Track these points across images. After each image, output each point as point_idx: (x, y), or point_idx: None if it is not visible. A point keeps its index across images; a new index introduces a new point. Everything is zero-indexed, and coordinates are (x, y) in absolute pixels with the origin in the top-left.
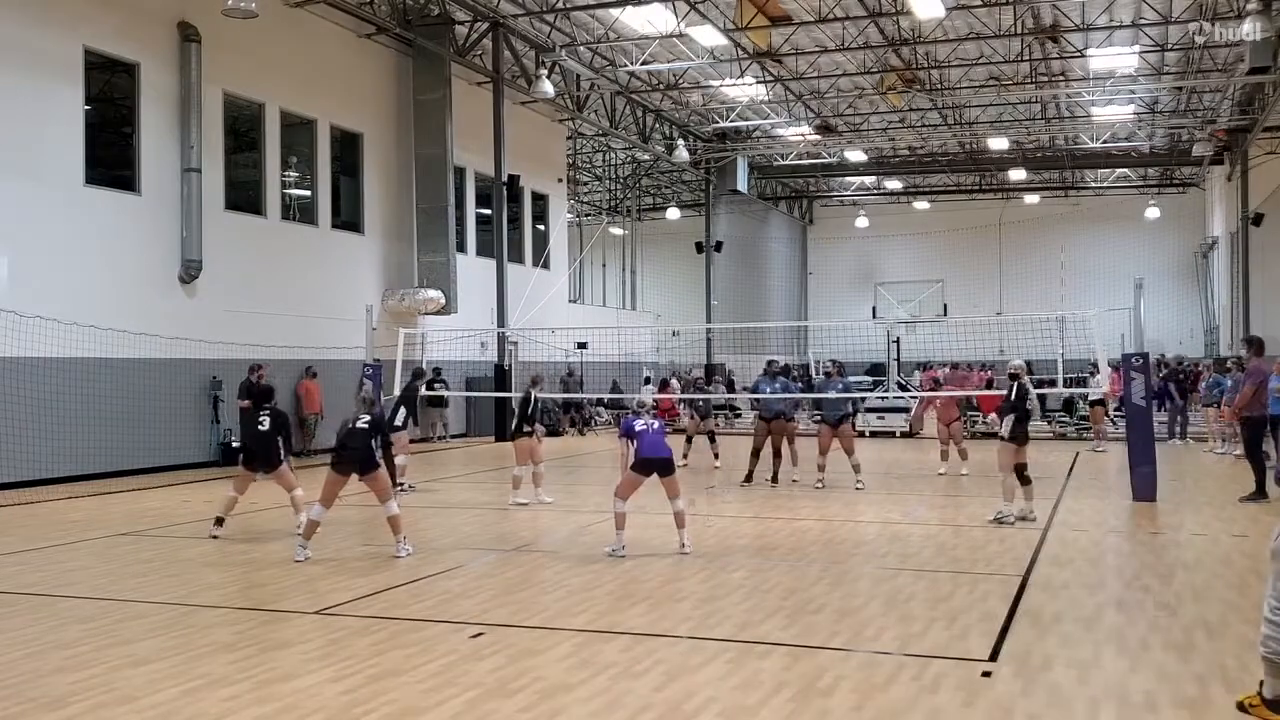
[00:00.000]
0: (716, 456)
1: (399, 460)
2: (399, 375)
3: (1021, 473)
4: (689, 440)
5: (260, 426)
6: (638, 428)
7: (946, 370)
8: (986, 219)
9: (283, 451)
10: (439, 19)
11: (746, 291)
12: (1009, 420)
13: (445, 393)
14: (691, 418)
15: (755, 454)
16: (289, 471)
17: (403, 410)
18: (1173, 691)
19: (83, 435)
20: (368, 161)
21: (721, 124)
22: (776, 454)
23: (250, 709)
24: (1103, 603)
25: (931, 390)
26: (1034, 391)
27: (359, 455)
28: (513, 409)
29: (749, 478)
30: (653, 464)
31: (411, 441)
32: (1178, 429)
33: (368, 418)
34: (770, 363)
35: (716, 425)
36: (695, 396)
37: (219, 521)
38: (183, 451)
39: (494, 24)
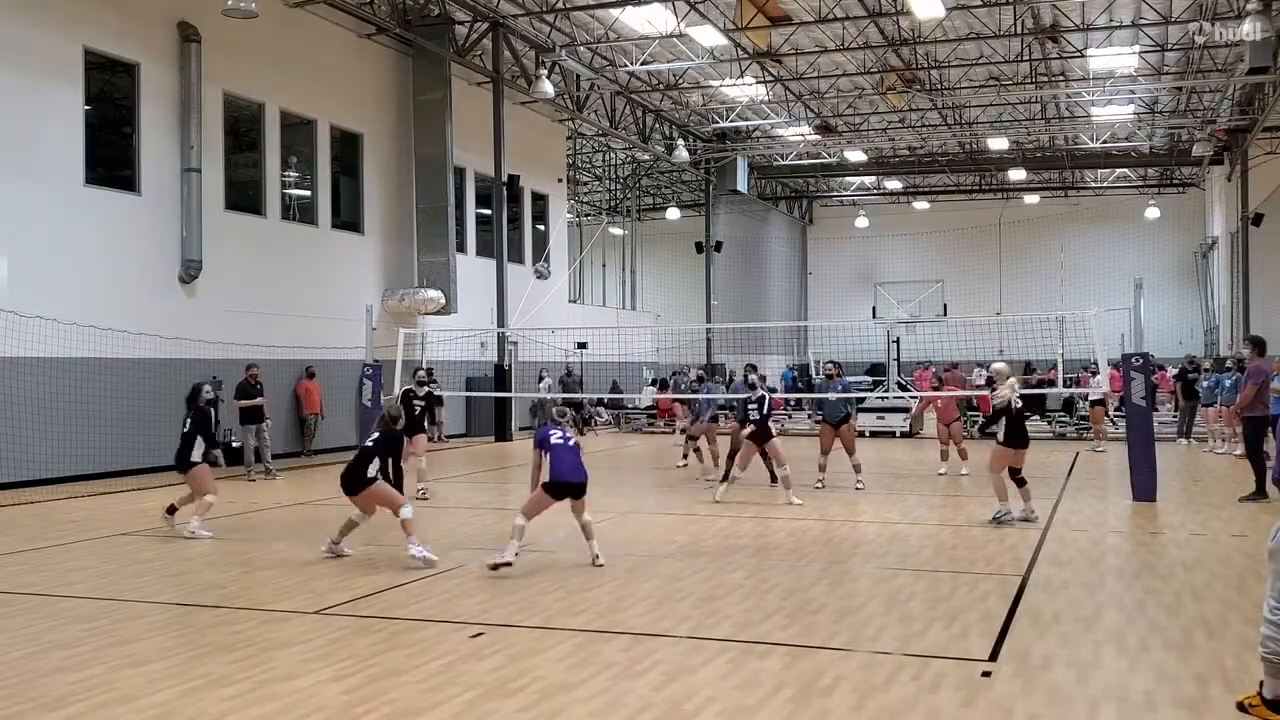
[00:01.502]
0: (716, 457)
1: (421, 463)
2: (399, 375)
3: (1015, 474)
4: (689, 441)
5: (184, 428)
6: (553, 440)
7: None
8: (986, 219)
9: (199, 453)
10: (439, 19)
11: (746, 291)
12: (1001, 424)
13: (445, 392)
14: (692, 420)
15: (731, 456)
16: (201, 475)
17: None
18: (1172, 691)
19: (83, 435)
20: (368, 161)
21: (721, 124)
22: (763, 455)
23: (250, 709)
24: (1103, 603)
25: (933, 390)
26: (1016, 394)
27: (347, 475)
28: (732, 411)
29: (726, 476)
30: (567, 489)
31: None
32: (1184, 428)
33: (377, 435)
34: (749, 367)
35: (717, 426)
36: (693, 397)
37: (171, 510)
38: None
39: (494, 24)
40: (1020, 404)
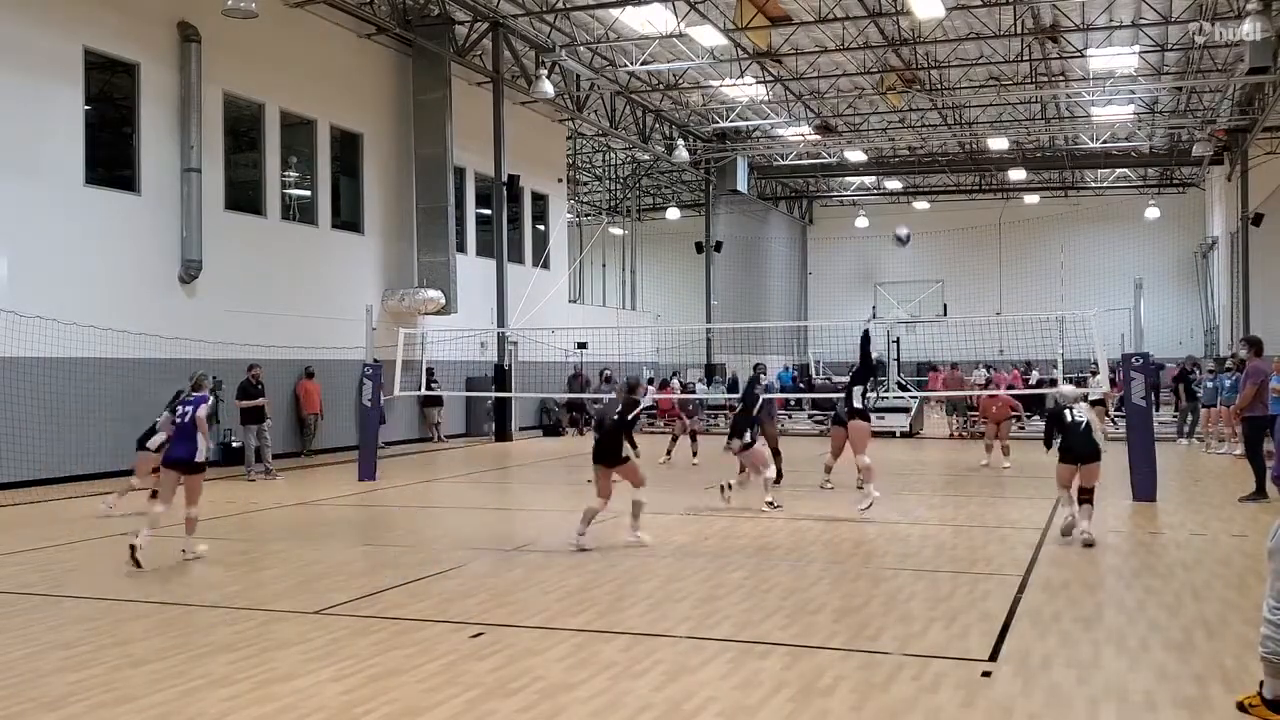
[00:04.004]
0: (695, 454)
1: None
2: (399, 375)
3: (1083, 492)
4: (674, 440)
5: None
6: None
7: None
8: (986, 219)
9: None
10: (439, 19)
11: (746, 291)
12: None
13: (446, 392)
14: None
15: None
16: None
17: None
18: (1172, 691)
19: (83, 435)
20: (368, 161)
21: (721, 124)
22: (776, 453)
23: (250, 709)
24: (1103, 603)
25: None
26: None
27: (603, 448)
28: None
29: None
30: (173, 464)
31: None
32: (1184, 428)
33: (620, 408)
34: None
35: (713, 426)
36: (688, 397)
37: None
38: None
39: (494, 24)
40: (1079, 417)
